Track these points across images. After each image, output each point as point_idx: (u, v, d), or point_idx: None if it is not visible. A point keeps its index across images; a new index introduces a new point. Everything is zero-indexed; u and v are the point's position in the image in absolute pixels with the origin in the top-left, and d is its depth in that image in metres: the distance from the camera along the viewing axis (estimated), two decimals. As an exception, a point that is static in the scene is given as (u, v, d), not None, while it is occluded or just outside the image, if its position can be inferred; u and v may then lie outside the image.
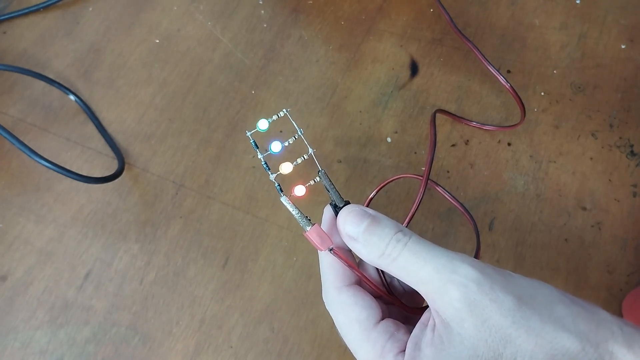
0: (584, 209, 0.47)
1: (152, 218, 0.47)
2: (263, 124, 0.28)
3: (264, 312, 0.43)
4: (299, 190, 0.28)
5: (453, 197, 0.39)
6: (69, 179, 0.44)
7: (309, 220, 0.27)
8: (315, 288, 0.44)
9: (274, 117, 0.28)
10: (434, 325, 0.25)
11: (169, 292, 0.44)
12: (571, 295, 0.24)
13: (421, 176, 0.36)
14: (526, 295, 0.23)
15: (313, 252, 0.45)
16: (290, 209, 0.27)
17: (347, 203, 0.28)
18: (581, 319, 0.23)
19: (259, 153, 0.28)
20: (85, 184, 0.47)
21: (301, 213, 0.27)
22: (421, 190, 0.35)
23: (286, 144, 0.28)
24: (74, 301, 0.44)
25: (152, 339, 0.42)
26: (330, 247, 0.27)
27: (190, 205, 0.48)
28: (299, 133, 0.29)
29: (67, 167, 0.43)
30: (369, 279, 0.28)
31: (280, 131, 0.49)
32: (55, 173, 0.43)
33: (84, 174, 0.44)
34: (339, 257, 0.27)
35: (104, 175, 0.46)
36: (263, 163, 0.28)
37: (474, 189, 0.48)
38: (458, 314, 0.23)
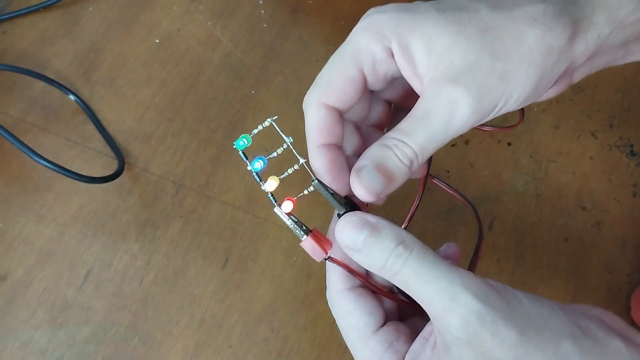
0: (584, 208, 0.47)
1: (152, 218, 0.47)
2: (241, 143, 0.27)
3: (264, 312, 0.43)
4: (287, 207, 0.27)
5: (451, 187, 0.39)
6: (69, 179, 0.44)
7: (305, 229, 0.27)
8: (315, 288, 0.44)
9: (260, 127, 0.27)
10: (435, 344, 0.24)
11: (168, 292, 0.44)
12: (585, 323, 0.23)
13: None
14: (532, 329, 0.22)
15: (313, 252, 0.45)
16: (285, 220, 0.27)
17: (347, 210, 0.27)
18: (590, 357, 0.22)
19: (248, 164, 0.27)
20: (85, 184, 0.47)
21: (295, 223, 0.27)
22: (420, 189, 0.35)
23: (273, 155, 0.27)
24: (74, 301, 0.44)
25: (152, 339, 0.42)
26: (326, 257, 0.27)
27: (190, 205, 0.48)
28: (287, 143, 0.27)
29: (67, 167, 0.43)
30: (371, 283, 0.28)
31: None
32: (55, 173, 0.43)
33: (84, 173, 0.44)
34: (338, 264, 0.27)
35: (104, 175, 0.46)
36: (254, 174, 0.27)
37: (474, 188, 0.48)
38: (458, 341, 0.23)
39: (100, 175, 0.46)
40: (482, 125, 0.53)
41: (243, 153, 0.27)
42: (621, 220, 0.46)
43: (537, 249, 0.45)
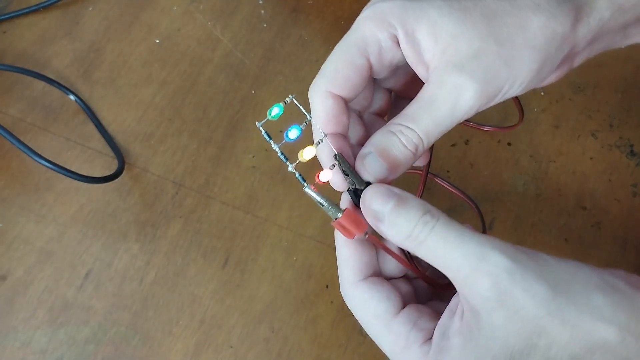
0: (584, 208, 0.47)
1: (152, 218, 0.47)
2: (276, 110, 0.26)
3: (264, 312, 0.43)
4: (325, 176, 0.26)
5: (454, 186, 0.39)
6: (69, 179, 0.44)
7: (339, 207, 0.26)
8: (315, 288, 0.44)
9: (281, 104, 0.27)
10: (462, 313, 0.24)
11: (169, 292, 0.44)
12: (612, 279, 0.23)
13: (421, 170, 0.36)
14: (562, 283, 0.22)
15: (313, 252, 0.45)
16: (318, 198, 0.26)
17: (369, 184, 0.27)
18: (621, 309, 0.22)
19: (273, 144, 0.26)
20: (85, 184, 0.47)
21: (329, 201, 0.26)
22: (421, 187, 0.35)
23: (302, 126, 0.27)
24: (74, 301, 0.44)
25: (152, 339, 0.42)
26: (366, 230, 0.26)
27: (190, 205, 0.48)
28: (309, 118, 0.27)
29: (67, 167, 0.43)
30: (401, 257, 0.27)
31: (280, 131, 0.49)
32: (55, 173, 0.43)
33: (84, 173, 0.44)
34: (375, 243, 0.27)
35: (104, 175, 0.46)
36: (280, 153, 0.26)
37: (474, 189, 0.48)
38: (488, 303, 0.22)
39: (100, 175, 0.46)
40: (482, 125, 0.53)
41: (267, 133, 0.27)
42: (621, 220, 0.46)
43: (537, 249, 0.45)
